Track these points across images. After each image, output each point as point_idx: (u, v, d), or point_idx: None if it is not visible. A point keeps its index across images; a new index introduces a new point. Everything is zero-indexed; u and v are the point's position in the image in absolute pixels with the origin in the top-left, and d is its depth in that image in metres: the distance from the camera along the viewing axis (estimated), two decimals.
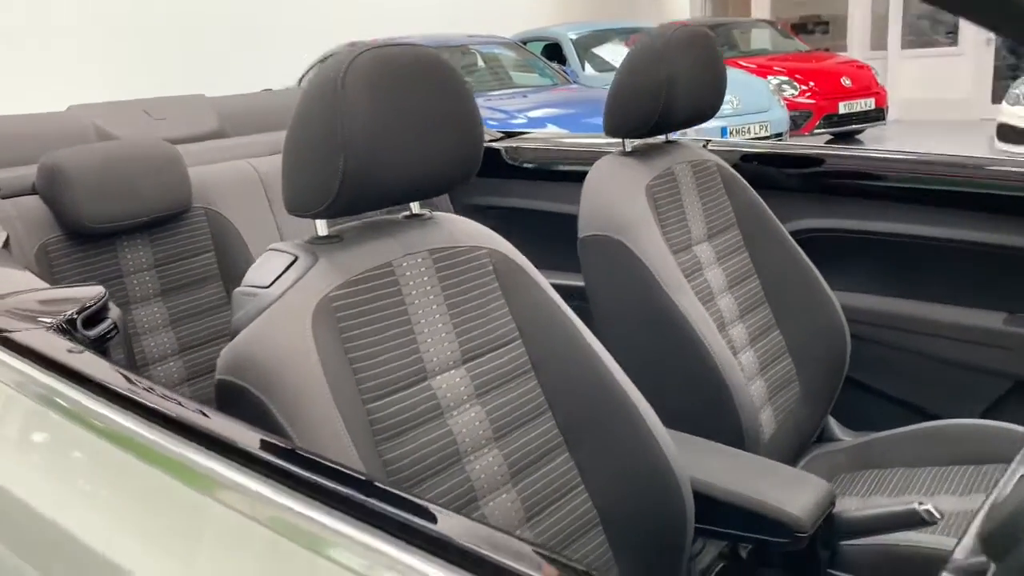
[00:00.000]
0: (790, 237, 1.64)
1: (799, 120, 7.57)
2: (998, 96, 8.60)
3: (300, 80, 7.56)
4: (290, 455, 0.68)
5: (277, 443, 0.70)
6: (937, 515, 1.13)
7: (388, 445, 0.96)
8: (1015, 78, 6.87)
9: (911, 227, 1.74)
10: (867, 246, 1.81)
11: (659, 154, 1.55)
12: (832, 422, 1.73)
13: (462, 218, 1.15)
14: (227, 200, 1.72)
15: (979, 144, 7.40)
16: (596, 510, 1.13)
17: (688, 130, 2.00)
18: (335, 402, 0.89)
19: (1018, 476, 0.73)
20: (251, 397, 0.89)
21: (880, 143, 8.30)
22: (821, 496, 1.20)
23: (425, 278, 1.05)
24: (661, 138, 1.62)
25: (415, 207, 1.12)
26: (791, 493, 1.19)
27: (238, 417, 0.81)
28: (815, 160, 1.88)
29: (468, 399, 1.06)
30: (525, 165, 2.29)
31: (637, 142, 1.54)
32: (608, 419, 1.12)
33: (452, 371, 1.05)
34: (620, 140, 1.54)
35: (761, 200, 1.65)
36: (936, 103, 9.28)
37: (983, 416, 1.67)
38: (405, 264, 1.04)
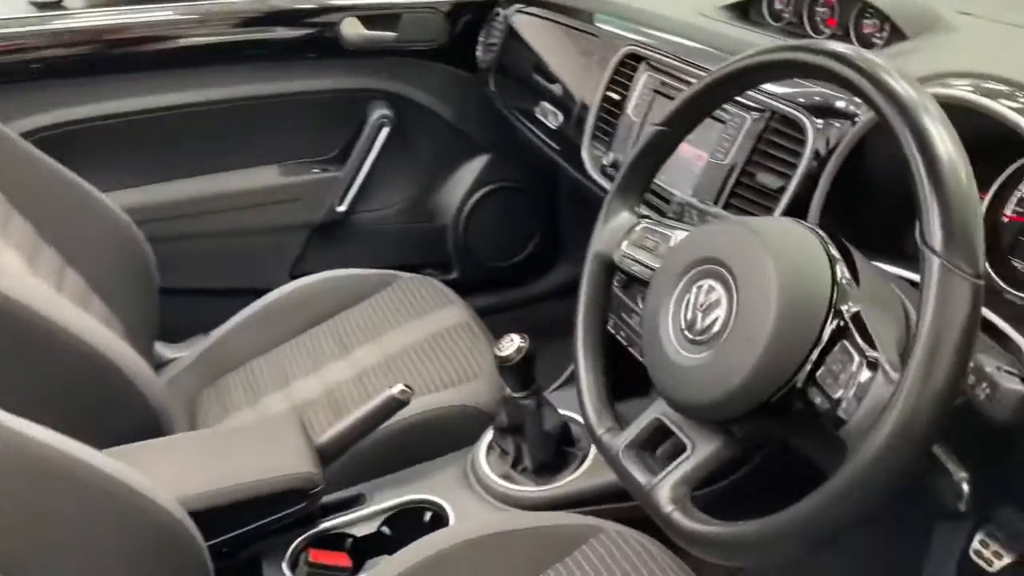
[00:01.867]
0: (29, 144, 1.25)
1: None
2: None
3: None
4: None
5: None
6: (410, 391, 1.09)
7: None
8: None
9: (150, 100, 1.55)
10: (114, 132, 1.54)
11: None
12: (159, 345, 1.48)
13: None
14: None
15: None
16: None
17: None
18: None
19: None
20: None
21: None
22: (305, 437, 1.03)
23: None
24: None
25: None
26: (283, 452, 0.99)
27: None
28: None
29: None
30: None
31: None
32: (41, 497, 0.72)
33: None
34: None
35: None
36: None
37: (293, 277, 1.65)
38: None
